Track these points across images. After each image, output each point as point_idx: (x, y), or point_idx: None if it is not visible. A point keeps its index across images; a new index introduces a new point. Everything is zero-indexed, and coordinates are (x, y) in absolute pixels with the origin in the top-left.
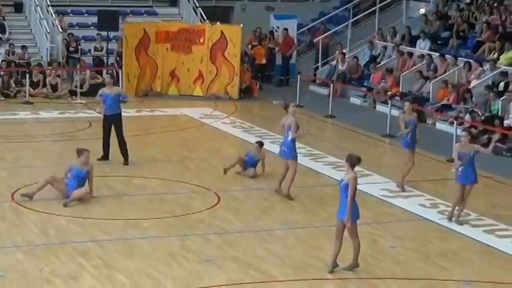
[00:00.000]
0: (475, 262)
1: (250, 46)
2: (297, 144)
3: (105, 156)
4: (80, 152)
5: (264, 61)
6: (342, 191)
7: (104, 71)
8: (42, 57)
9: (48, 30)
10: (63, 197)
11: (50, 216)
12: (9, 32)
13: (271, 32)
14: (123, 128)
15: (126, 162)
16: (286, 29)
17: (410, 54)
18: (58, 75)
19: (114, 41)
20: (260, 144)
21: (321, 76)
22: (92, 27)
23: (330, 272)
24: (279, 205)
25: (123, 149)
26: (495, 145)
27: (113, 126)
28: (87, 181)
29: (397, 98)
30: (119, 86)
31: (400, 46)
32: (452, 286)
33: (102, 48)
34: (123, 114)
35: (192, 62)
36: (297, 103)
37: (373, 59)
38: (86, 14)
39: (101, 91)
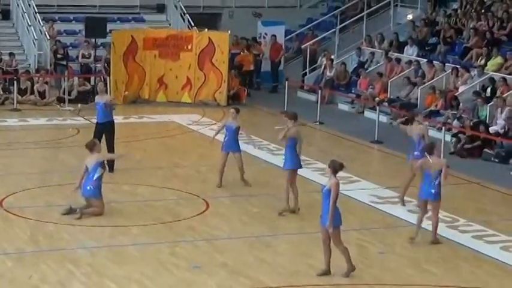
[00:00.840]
0: (464, 268)
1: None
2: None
3: (111, 167)
4: (90, 146)
5: (252, 67)
6: (324, 197)
7: (92, 78)
8: (30, 64)
9: (36, 37)
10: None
11: (39, 223)
12: None
13: (254, 39)
14: (114, 136)
15: (111, 169)
16: (274, 36)
17: (398, 60)
18: (46, 82)
19: (101, 47)
20: (237, 110)
21: (309, 82)
22: (80, 35)
23: (319, 275)
24: (267, 211)
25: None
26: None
27: (104, 134)
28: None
29: (385, 104)
30: (107, 93)
31: (388, 52)
32: None
33: (90, 55)
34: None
35: (180, 69)
36: (285, 109)
37: (361, 65)
38: (73, 21)
39: (95, 99)
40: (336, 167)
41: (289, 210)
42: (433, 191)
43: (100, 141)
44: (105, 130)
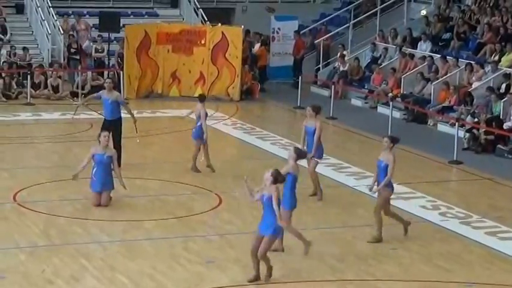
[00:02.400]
0: (477, 264)
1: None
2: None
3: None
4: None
5: (267, 62)
6: (266, 204)
7: (105, 73)
8: (43, 58)
9: (50, 32)
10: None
11: (52, 218)
12: (11, 33)
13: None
14: (121, 134)
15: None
16: (297, 31)
17: (412, 56)
18: (59, 77)
19: (115, 42)
20: (201, 99)
21: (322, 77)
22: (93, 29)
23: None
24: None
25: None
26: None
27: (111, 131)
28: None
29: (398, 99)
30: (120, 87)
31: (402, 48)
32: None
33: (103, 50)
34: (125, 115)
35: (193, 64)
36: (298, 104)
37: (375, 61)
38: (87, 15)
39: (100, 92)
40: (277, 178)
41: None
42: None
43: (119, 139)
44: (113, 127)
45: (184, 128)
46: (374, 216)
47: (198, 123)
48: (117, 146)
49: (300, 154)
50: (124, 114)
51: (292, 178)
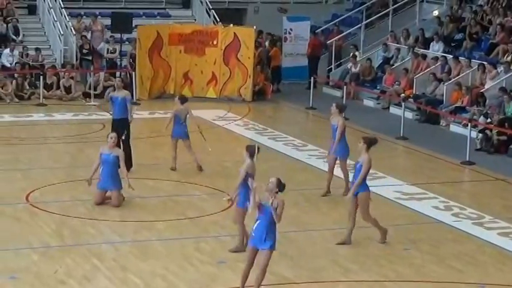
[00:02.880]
0: (490, 265)
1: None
2: (311, 146)
3: (130, 164)
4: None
5: (280, 63)
6: (267, 217)
7: (117, 74)
8: (55, 59)
9: (62, 32)
10: None
11: (64, 218)
12: (23, 34)
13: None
14: (130, 134)
15: (126, 169)
16: (315, 32)
17: (424, 56)
18: (72, 77)
19: (127, 43)
20: (182, 100)
21: (334, 78)
22: (106, 30)
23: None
24: (291, 207)
25: (126, 155)
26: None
27: (119, 131)
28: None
29: (411, 100)
30: (132, 88)
31: (414, 48)
32: None
33: (115, 51)
34: (136, 116)
35: (205, 64)
36: (311, 105)
37: (387, 61)
38: (99, 16)
39: (110, 93)
40: (280, 187)
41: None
42: None
43: (127, 138)
44: (121, 127)
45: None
46: (367, 222)
47: (180, 122)
48: (127, 146)
49: (252, 151)
50: (137, 115)
51: (247, 176)
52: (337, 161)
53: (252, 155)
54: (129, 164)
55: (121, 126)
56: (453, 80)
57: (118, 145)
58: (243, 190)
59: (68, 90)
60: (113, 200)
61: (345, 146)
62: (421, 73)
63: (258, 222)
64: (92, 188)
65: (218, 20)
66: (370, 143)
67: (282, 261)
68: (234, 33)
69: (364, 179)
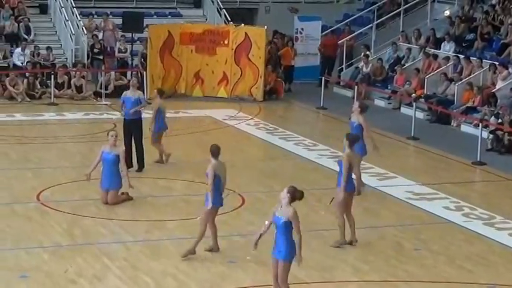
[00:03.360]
0: (501, 265)
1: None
2: (322, 146)
3: (141, 166)
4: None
5: (292, 63)
6: (281, 229)
7: (129, 73)
8: (67, 58)
9: (73, 32)
10: None
11: (75, 217)
12: (35, 34)
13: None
14: (142, 134)
15: (139, 169)
16: (331, 32)
17: (435, 57)
18: (83, 77)
19: (138, 42)
20: (161, 94)
21: (345, 78)
22: (117, 29)
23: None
24: (302, 207)
25: (138, 155)
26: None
27: (132, 131)
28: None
29: (422, 100)
30: (143, 87)
31: (425, 48)
32: None
33: (126, 50)
34: (147, 115)
35: (216, 64)
36: (321, 105)
37: (398, 61)
38: (110, 16)
39: (123, 94)
40: (295, 195)
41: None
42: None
43: (130, 139)
44: (133, 127)
45: (208, 129)
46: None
47: (163, 116)
48: (138, 147)
49: (214, 151)
50: (148, 114)
51: (217, 178)
52: None
53: (214, 155)
54: (141, 165)
55: (134, 126)
56: (464, 80)
57: (130, 145)
58: (213, 190)
59: (79, 89)
60: (109, 198)
61: (363, 145)
62: (432, 73)
63: (275, 232)
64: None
65: (229, 19)
66: (353, 141)
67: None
68: (245, 33)
69: (348, 175)
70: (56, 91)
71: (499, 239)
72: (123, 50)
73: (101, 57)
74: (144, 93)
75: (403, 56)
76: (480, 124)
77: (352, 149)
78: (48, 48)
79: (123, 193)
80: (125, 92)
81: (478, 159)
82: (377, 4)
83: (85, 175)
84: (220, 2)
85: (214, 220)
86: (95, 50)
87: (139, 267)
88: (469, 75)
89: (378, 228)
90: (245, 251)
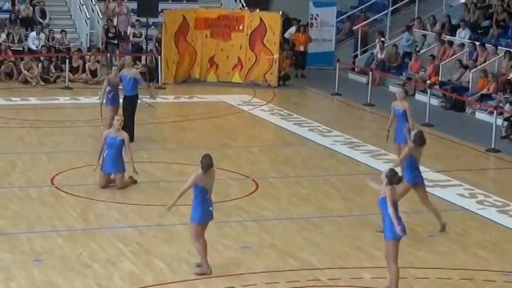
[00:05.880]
0: None
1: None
2: (336, 133)
3: (131, 138)
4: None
5: (302, 48)
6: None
7: (143, 58)
8: (81, 42)
9: (88, 16)
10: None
11: (89, 202)
12: (50, 18)
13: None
14: (135, 111)
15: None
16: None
17: (451, 43)
18: (97, 61)
19: (153, 27)
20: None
21: (360, 64)
22: (132, 13)
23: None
24: (316, 193)
25: (129, 127)
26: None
27: (128, 106)
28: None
29: (436, 87)
30: (158, 72)
31: (441, 35)
32: (490, 277)
33: (141, 35)
34: (162, 100)
35: (231, 49)
36: (336, 91)
37: (412, 47)
38: (125, 0)
39: (121, 72)
40: (392, 179)
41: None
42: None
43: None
44: (129, 102)
45: (223, 114)
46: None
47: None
48: (131, 120)
49: (206, 164)
50: (163, 99)
51: (199, 189)
52: None
53: (204, 168)
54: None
55: (130, 102)
56: (479, 67)
57: (131, 120)
58: (199, 204)
59: (93, 73)
60: (117, 182)
61: (404, 132)
62: (447, 60)
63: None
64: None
65: (244, 4)
66: None
67: (306, 246)
68: (260, 18)
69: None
70: (71, 75)
71: None
72: (138, 35)
73: (116, 41)
74: (158, 78)
75: (417, 43)
76: (495, 111)
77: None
78: (63, 32)
79: (130, 177)
80: (122, 70)
81: (493, 146)
82: None
83: (94, 169)
84: None
85: (203, 235)
86: (110, 35)
87: (152, 252)
88: (484, 62)
89: None
90: (259, 236)
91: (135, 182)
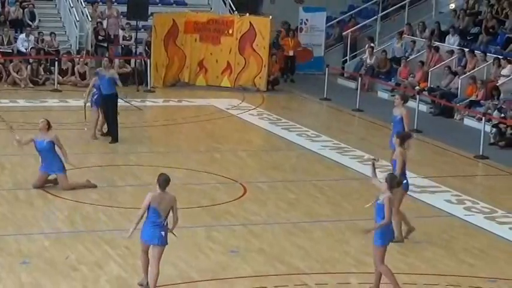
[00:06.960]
0: (501, 259)
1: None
2: (325, 138)
3: (114, 138)
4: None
5: (291, 53)
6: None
7: (132, 60)
8: (71, 45)
9: (78, 19)
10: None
11: (77, 204)
12: (39, 20)
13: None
14: (116, 110)
15: (112, 141)
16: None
17: (437, 49)
18: (86, 64)
19: (143, 30)
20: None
21: (349, 69)
22: (121, 16)
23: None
24: (304, 198)
25: (112, 128)
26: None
27: (107, 105)
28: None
29: (425, 93)
30: (146, 75)
31: (431, 41)
32: (477, 283)
33: (131, 38)
34: (151, 104)
35: (220, 53)
36: (325, 96)
37: (401, 53)
38: (115, 3)
39: (98, 69)
40: (392, 183)
41: None
42: None
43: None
44: (109, 101)
45: (211, 118)
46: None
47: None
48: (114, 120)
49: (161, 181)
50: (152, 102)
51: (151, 210)
52: None
53: (161, 185)
54: (114, 140)
55: (110, 102)
56: (468, 73)
57: (113, 117)
58: (154, 224)
59: (82, 76)
60: (60, 183)
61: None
62: (436, 66)
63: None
64: (103, 173)
65: (234, 9)
66: None
67: (294, 251)
68: (250, 22)
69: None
70: (60, 78)
71: (500, 233)
72: (128, 38)
73: (105, 44)
74: (147, 81)
75: (408, 48)
76: (483, 118)
77: (403, 146)
78: (52, 35)
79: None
80: (99, 69)
81: (481, 153)
82: None
83: (16, 141)
84: None
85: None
86: (99, 38)
87: (140, 255)
88: (473, 68)
89: None
90: (246, 240)
91: (94, 186)
